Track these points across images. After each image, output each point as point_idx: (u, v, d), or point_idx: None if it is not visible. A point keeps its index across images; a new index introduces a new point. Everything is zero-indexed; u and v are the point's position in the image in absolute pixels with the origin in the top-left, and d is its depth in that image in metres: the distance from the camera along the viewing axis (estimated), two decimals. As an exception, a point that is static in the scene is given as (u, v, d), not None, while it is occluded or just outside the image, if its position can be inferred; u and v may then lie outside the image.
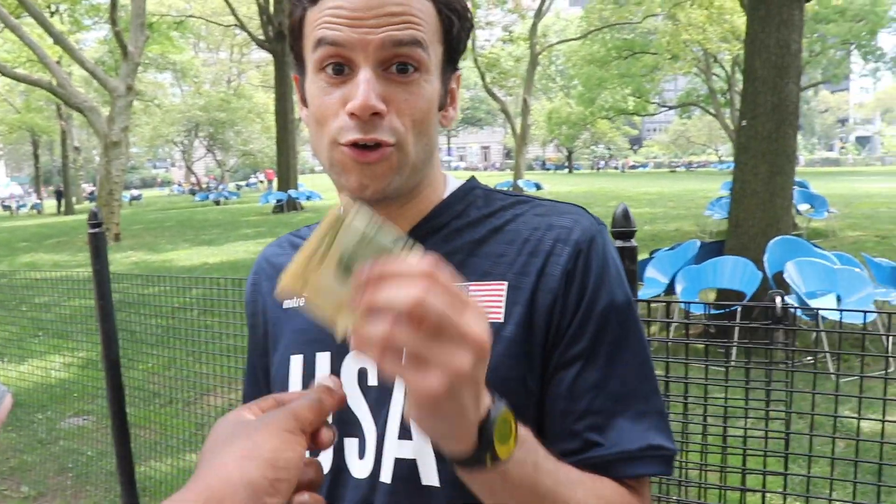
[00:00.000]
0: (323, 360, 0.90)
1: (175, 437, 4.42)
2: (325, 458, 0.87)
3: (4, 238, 23.75)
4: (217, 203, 34.93)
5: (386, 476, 0.84)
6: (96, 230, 3.20)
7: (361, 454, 0.86)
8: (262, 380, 1.02)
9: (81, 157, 48.93)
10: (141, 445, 4.38)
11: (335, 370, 0.89)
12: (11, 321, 5.71)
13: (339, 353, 0.89)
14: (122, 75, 21.36)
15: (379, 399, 0.86)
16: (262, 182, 52.57)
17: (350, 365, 0.88)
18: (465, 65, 32.13)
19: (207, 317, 4.34)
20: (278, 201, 26.31)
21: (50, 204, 46.41)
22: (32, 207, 46.22)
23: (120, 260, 15.35)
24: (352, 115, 0.78)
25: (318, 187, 34.54)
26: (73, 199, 42.38)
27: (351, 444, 0.87)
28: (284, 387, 0.92)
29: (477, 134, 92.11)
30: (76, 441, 4.99)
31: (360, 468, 0.86)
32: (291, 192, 26.16)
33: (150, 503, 3.79)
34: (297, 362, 0.92)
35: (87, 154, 56.59)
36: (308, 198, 27.51)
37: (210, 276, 3.86)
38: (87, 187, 56.93)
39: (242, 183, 55.56)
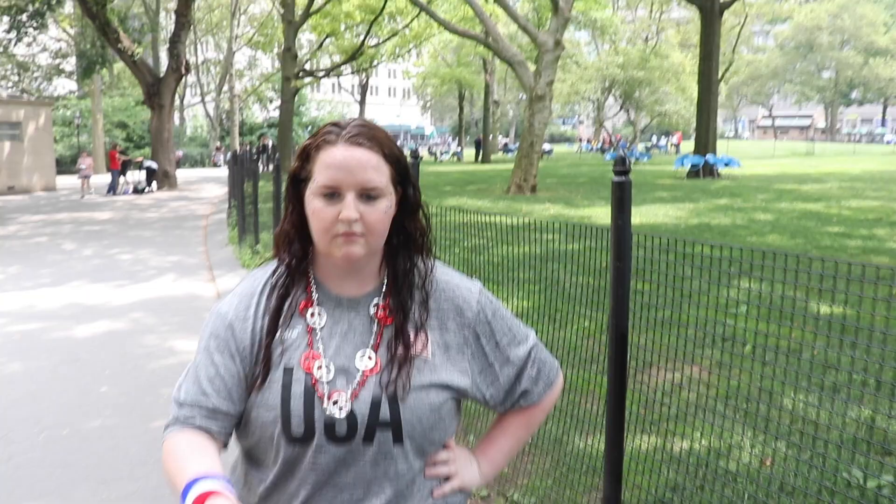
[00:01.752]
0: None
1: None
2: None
3: (432, 181, 25.70)
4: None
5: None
6: (622, 178, 2.38)
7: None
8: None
9: (498, 111, 51.82)
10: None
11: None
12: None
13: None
14: (550, 30, 21.43)
15: None
16: (673, 145, 50.96)
17: None
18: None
19: (638, 282, 3.53)
20: (693, 166, 24.69)
21: (468, 153, 50.09)
22: (454, 155, 50.32)
23: (539, 212, 15.34)
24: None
25: (737, 153, 32.08)
26: (489, 150, 45.10)
27: None
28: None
29: (923, 105, 78.92)
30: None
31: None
32: (709, 156, 24.37)
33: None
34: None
35: (502, 108, 59.86)
36: (727, 164, 25.43)
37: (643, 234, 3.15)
38: (501, 139, 60.46)
39: (651, 144, 54.42)
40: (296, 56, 29.41)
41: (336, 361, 1.34)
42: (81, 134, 40.46)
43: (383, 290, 1.40)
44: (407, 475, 1.38)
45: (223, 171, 34.49)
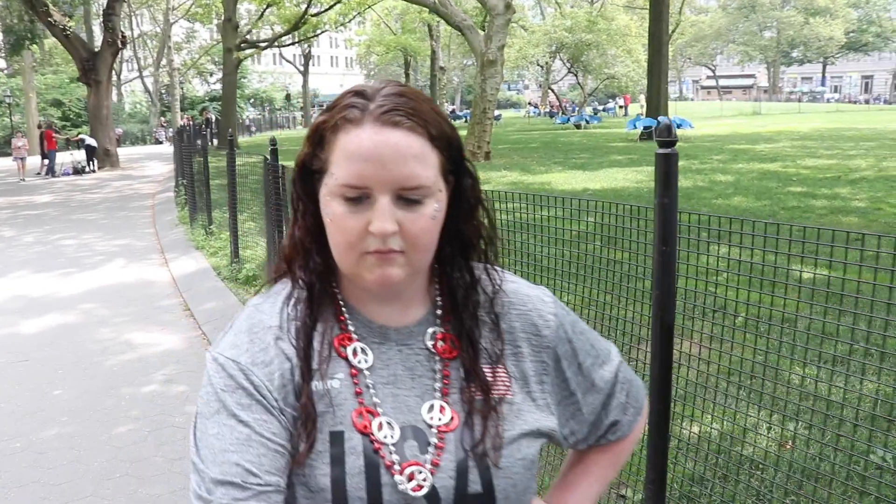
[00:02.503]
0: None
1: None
2: None
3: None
4: (578, 127, 34.16)
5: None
6: (668, 150, 2.08)
7: None
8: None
9: (444, 78, 51.26)
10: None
11: None
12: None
13: None
14: (502, -7, 20.99)
15: None
16: (620, 107, 51.00)
17: None
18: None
19: (615, 252, 3.31)
20: (646, 128, 24.64)
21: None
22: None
23: (496, 179, 15.04)
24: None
25: (685, 114, 32.20)
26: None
27: None
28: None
29: (859, 62, 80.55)
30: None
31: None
32: (661, 118, 24.33)
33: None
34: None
35: (447, 75, 59.21)
36: (679, 125, 25.46)
37: (613, 202, 3.07)
38: (448, 106, 59.88)
39: (600, 108, 54.37)
40: (237, 27, 28.45)
41: (399, 417, 0.98)
42: (14, 114, 38.72)
43: (439, 314, 1.04)
44: None
45: (166, 148, 33.38)
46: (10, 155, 24.10)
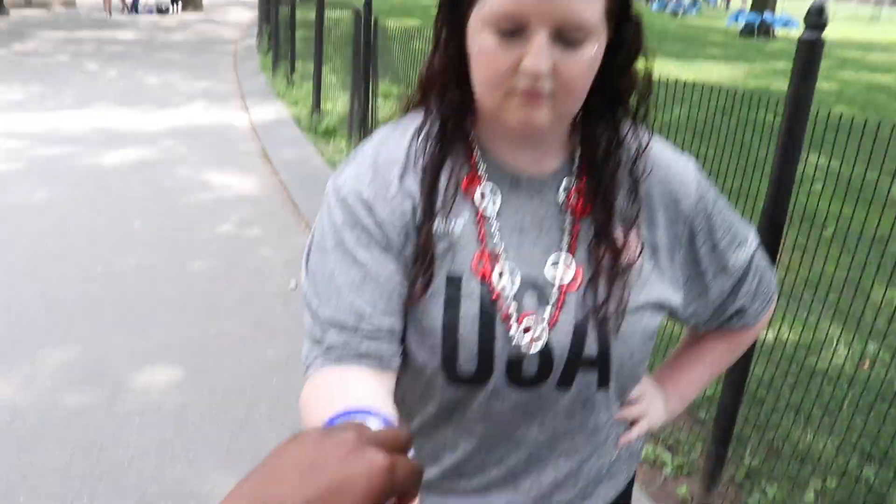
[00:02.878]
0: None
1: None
2: None
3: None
4: (675, 15, 32.42)
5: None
6: (814, 35, 1.88)
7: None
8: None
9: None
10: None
11: None
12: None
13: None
14: None
15: None
16: (724, 0, 48.07)
17: None
18: None
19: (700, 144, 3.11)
20: (748, 24, 23.24)
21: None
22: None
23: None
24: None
25: (794, 13, 30.19)
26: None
27: None
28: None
29: None
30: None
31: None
32: (767, 14, 22.88)
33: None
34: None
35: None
36: (785, 24, 23.95)
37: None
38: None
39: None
40: None
41: (521, 268, 0.92)
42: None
43: (575, 168, 0.95)
44: (605, 428, 1.02)
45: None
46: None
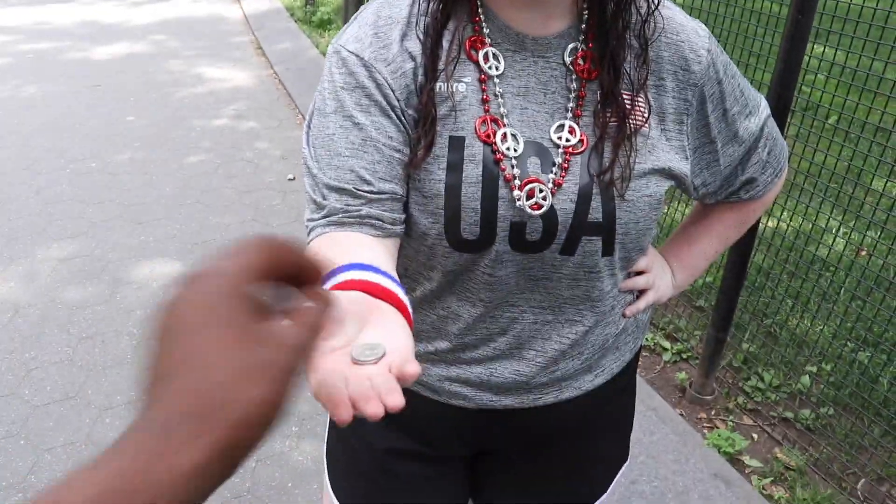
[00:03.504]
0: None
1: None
2: None
3: None
4: None
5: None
6: None
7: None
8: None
9: None
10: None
11: None
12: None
13: None
14: None
15: None
16: None
17: None
18: None
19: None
20: None
21: None
22: None
23: None
24: None
25: None
26: None
27: None
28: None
29: None
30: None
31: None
32: None
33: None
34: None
35: None
36: None
37: None
38: None
39: None
40: None
41: (525, 132, 0.90)
42: None
43: (583, 28, 0.91)
44: (609, 296, 1.01)
45: None
46: None
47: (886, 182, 3.16)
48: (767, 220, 3.65)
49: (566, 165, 0.89)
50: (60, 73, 6.05)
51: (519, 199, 0.88)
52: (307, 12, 7.75)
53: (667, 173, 0.95)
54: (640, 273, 1.06)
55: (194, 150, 4.62)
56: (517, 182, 0.88)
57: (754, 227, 2.29)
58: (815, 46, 2.76)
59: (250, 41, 7.21)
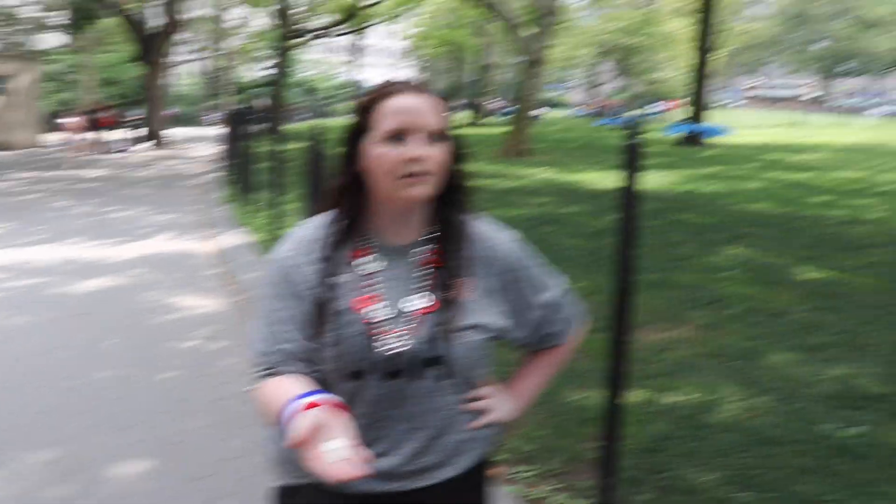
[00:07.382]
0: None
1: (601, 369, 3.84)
2: None
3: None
4: (620, 128, 34.27)
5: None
6: (633, 141, 2.53)
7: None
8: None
9: (492, 73, 51.62)
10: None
11: None
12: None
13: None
14: (550, -7, 21.32)
15: None
16: (666, 112, 50.84)
17: None
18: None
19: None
20: (684, 133, 24.76)
21: (460, 115, 49.84)
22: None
23: (531, 175, 15.43)
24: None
25: (730, 122, 32.02)
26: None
27: None
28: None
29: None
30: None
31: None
32: (694, 125, 24.44)
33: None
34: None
35: (495, 71, 59.42)
36: (711, 133, 25.49)
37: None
38: (495, 102, 60.05)
39: (646, 111, 54.16)
40: (290, 16, 29.12)
41: (395, 303, 1.47)
42: (71, 90, 39.87)
43: (432, 237, 1.51)
44: (452, 409, 1.53)
45: (210, 131, 34.20)
46: (65, 130, 24.94)
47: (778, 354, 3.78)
48: (672, 396, 4.21)
49: (421, 321, 1.46)
50: (46, 305, 6.65)
51: (388, 343, 1.44)
52: (276, 245, 8.54)
53: (486, 327, 1.53)
54: (481, 398, 1.60)
55: (167, 368, 5.14)
56: (386, 335, 1.45)
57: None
58: (731, 248, 3.49)
59: (223, 272, 7.96)
